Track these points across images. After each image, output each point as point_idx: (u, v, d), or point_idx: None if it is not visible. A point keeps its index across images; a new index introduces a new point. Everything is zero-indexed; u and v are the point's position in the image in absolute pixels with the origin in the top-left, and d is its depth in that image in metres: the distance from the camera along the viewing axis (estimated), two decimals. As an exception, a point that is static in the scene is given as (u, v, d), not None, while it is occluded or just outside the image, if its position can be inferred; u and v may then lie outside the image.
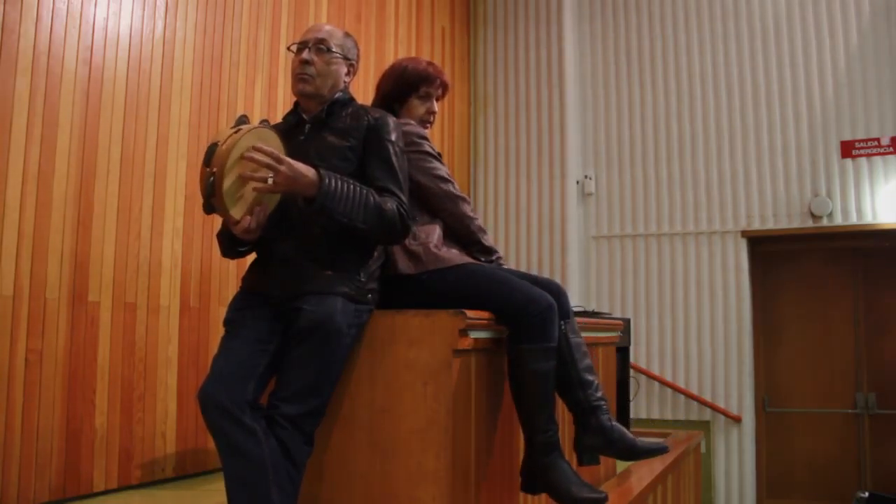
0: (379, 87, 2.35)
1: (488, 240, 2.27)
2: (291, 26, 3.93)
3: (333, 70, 2.07)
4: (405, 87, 2.28)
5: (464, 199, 2.23)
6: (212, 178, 1.73)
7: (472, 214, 2.23)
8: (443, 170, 2.23)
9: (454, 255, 2.08)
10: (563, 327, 2.13)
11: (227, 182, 1.75)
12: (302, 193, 1.81)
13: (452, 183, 2.23)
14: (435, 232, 2.13)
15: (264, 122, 1.95)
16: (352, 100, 2.12)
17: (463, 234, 2.22)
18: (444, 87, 2.34)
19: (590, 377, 2.12)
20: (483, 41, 6.32)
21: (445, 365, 1.85)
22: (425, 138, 2.24)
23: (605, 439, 2.06)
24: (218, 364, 1.83)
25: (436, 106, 2.34)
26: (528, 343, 1.95)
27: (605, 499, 1.88)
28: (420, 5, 5.41)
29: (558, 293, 2.18)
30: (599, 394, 2.12)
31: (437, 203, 2.19)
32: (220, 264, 3.38)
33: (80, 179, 2.78)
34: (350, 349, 1.92)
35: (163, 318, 3.10)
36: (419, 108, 2.30)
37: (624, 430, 2.09)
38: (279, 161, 1.75)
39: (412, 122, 2.26)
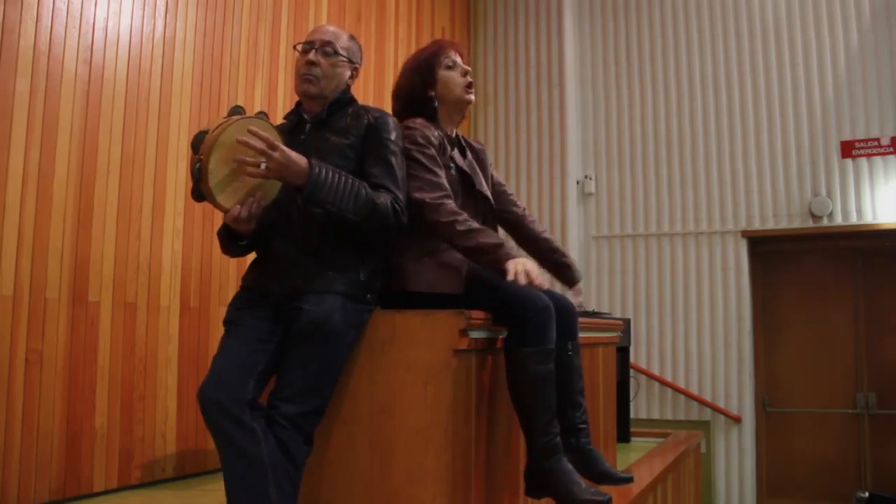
0: (401, 91, 2.26)
1: (464, 227, 1.97)
2: (291, 26, 3.93)
3: (338, 73, 2.07)
4: (427, 67, 2.22)
5: (433, 208, 1.99)
6: (198, 165, 1.75)
7: (445, 219, 1.98)
8: (425, 177, 2.04)
9: (440, 280, 2.01)
10: (569, 350, 2.15)
11: (214, 169, 1.76)
12: (293, 182, 1.81)
13: (430, 187, 2.02)
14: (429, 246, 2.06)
15: (261, 113, 1.95)
16: (353, 100, 2.12)
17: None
18: (459, 51, 2.27)
19: (581, 400, 2.19)
20: (483, 41, 6.32)
21: (445, 365, 1.85)
22: (421, 143, 2.08)
23: (582, 460, 2.14)
24: (218, 363, 1.83)
25: (467, 67, 2.25)
26: (525, 345, 1.94)
27: (609, 501, 1.87)
28: (420, 5, 5.40)
29: (569, 314, 2.18)
30: (585, 417, 2.20)
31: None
32: (220, 264, 3.38)
33: (80, 179, 2.78)
34: (350, 349, 1.92)
35: (163, 318, 3.10)
36: (455, 76, 2.22)
37: (600, 456, 2.18)
38: (272, 147, 1.75)
39: (420, 122, 2.13)
